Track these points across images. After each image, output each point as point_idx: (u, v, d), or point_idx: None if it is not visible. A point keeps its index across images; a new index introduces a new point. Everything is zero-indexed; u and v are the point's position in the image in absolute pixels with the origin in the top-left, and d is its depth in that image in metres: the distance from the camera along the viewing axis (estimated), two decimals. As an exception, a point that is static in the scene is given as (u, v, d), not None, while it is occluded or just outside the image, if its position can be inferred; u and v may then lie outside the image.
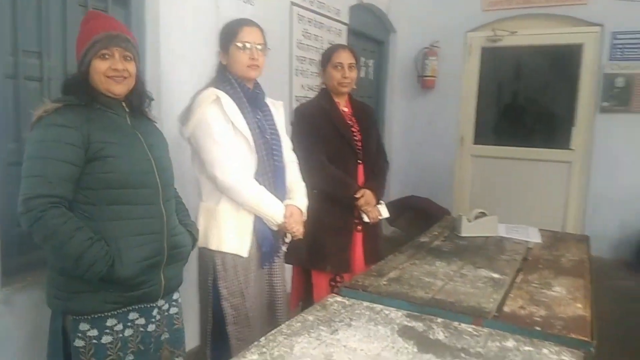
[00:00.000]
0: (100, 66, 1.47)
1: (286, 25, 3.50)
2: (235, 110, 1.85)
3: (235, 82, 1.90)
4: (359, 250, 2.38)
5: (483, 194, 5.02)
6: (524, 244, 2.42)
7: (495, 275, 1.90)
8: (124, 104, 1.56)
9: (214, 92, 1.84)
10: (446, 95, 5.14)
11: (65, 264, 1.40)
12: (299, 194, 2.05)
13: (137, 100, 1.59)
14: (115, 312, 1.47)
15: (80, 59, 1.49)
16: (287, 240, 2.07)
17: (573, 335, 1.37)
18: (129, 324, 1.51)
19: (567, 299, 1.69)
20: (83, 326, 1.44)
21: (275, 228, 1.94)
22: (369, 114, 2.52)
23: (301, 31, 3.65)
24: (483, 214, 2.54)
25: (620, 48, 4.41)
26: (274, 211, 1.91)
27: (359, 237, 2.38)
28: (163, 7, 2.51)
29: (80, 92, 1.48)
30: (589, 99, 4.58)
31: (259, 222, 1.92)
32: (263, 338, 1.31)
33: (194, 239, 1.70)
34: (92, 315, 1.45)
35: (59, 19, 2.12)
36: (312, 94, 3.81)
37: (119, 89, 1.51)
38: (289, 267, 2.37)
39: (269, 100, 2.07)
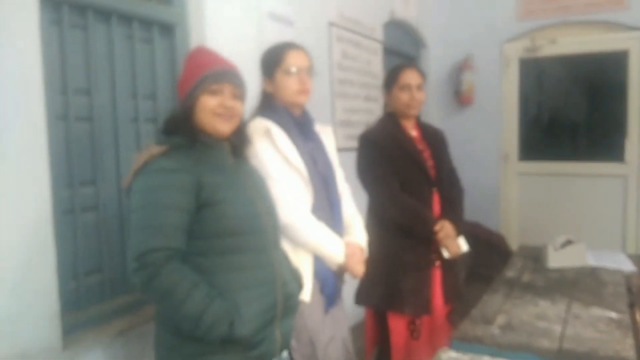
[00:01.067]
0: (209, 102, 1.34)
1: (325, 47, 3.35)
2: (286, 141, 1.68)
3: (282, 110, 1.73)
4: (437, 289, 2.15)
5: (532, 214, 4.75)
6: (620, 273, 2.19)
7: (613, 315, 1.67)
8: (225, 144, 1.42)
9: (263, 123, 1.68)
10: (485, 111, 4.93)
11: (184, 324, 1.23)
12: (357, 229, 1.87)
13: (240, 141, 1.44)
14: None
15: (188, 94, 1.35)
16: (346, 280, 1.87)
17: None
18: None
19: None
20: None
21: (334, 268, 1.75)
22: (439, 137, 2.32)
23: (340, 52, 3.49)
24: (569, 242, 2.32)
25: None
26: (335, 250, 1.71)
27: (437, 274, 2.16)
28: (209, 37, 2.36)
29: (185, 130, 1.34)
30: (640, 107, 4.35)
31: (319, 263, 1.72)
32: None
33: (300, 287, 1.51)
34: None
35: (105, 52, 1.97)
36: (354, 117, 3.65)
37: (226, 127, 1.37)
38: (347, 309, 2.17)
39: (317, 127, 1.89)
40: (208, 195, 1.27)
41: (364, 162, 2.15)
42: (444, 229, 2.08)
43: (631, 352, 1.37)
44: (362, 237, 1.87)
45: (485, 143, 4.95)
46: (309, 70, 1.78)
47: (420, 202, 2.11)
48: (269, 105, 1.76)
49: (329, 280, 1.75)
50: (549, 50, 4.67)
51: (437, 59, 5.09)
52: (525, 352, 1.37)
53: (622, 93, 4.44)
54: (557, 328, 1.55)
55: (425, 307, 2.09)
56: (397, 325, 2.11)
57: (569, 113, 4.91)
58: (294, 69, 1.72)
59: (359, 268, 1.79)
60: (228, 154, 1.41)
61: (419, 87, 2.17)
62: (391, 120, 2.22)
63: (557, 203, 4.67)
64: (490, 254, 4.08)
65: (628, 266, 2.28)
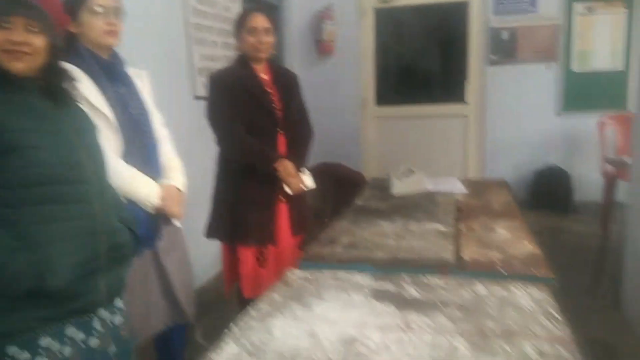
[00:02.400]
0: None
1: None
2: (89, 85, 1.63)
3: (87, 53, 1.68)
4: (284, 222, 2.29)
5: (390, 153, 5.15)
6: (452, 195, 2.49)
7: (441, 227, 1.92)
8: (34, 84, 1.28)
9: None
10: (346, 59, 5.13)
11: None
12: (175, 172, 1.91)
13: (54, 79, 1.31)
14: (49, 330, 1.24)
15: None
16: (177, 223, 1.91)
17: (536, 273, 1.42)
18: (67, 340, 1.27)
19: (513, 239, 1.75)
20: (11, 349, 1.19)
21: (152, 211, 1.77)
22: (290, 80, 2.40)
23: (195, -3, 3.37)
24: (411, 171, 2.57)
25: (503, 3, 4.68)
26: (148, 192, 1.73)
27: (284, 209, 2.29)
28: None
29: None
30: (479, 53, 4.84)
31: (132, 206, 1.72)
32: (234, 325, 1.19)
33: (136, 236, 1.48)
34: (21, 336, 1.20)
35: None
36: (213, 65, 3.58)
37: (19, 66, 1.22)
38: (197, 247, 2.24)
39: (131, 71, 1.85)
40: (10, 140, 1.16)
41: (210, 103, 2.19)
42: (284, 167, 2.20)
43: (450, 255, 1.59)
44: (180, 179, 1.90)
45: (347, 90, 5.18)
46: (117, 11, 1.72)
47: (266, 144, 2.21)
48: (73, 49, 1.67)
49: (142, 222, 1.71)
50: (400, 0, 4.95)
51: (298, 8, 5.12)
52: (363, 264, 1.54)
53: (464, 40, 4.89)
54: (392, 242, 1.75)
55: (270, 237, 2.23)
56: (246, 257, 2.23)
57: (419, 60, 5.30)
58: (100, 9, 1.66)
59: (177, 210, 1.82)
60: (41, 94, 1.29)
61: (267, 31, 2.21)
62: (241, 62, 2.24)
63: (411, 142, 5.11)
64: (351, 191, 4.36)
65: (461, 189, 2.60)
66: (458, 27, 4.92)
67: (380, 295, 1.33)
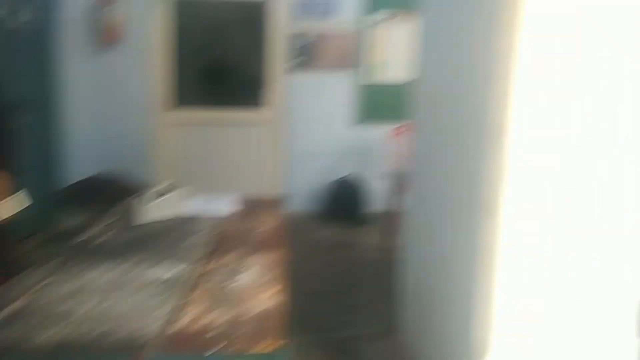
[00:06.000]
0: None
1: None
2: None
3: None
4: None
5: (184, 164, 4.57)
6: (215, 220, 2.06)
7: (168, 275, 1.45)
8: None
9: None
10: (135, 54, 4.43)
11: None
12: None
13: None
14: None
15: None
16: None
17: (257, 351, 1.03)
18: None
19: (255, 287, 1.36)
20: None
21: None
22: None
23: None
24: (171, 188, 2.07)
25: (305, 5, 4.46)
26: None
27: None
28: None
29: None
30: (279, 57, 4.55)
31: None
32: None
33: None
34: None
35: None
36: None
37: None
38: None
39: None
40: None
41: None
42: None
43: (153, 328, 1.12)
44: None
45: (135, 89, 4.50)
46: None
47: None
48: None
49: None
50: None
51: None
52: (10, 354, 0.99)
53: (265, 43, 4.56)
54: (86, 307, 1.23)
55: None
56: None
57: (219, 60, 4.84)
58: None
59: None
60: None
61: None
62: None
63: (207, 151, 4.64)
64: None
65: (230, 210, 2.18)
66: (259, 28, 4.58)
67: None
